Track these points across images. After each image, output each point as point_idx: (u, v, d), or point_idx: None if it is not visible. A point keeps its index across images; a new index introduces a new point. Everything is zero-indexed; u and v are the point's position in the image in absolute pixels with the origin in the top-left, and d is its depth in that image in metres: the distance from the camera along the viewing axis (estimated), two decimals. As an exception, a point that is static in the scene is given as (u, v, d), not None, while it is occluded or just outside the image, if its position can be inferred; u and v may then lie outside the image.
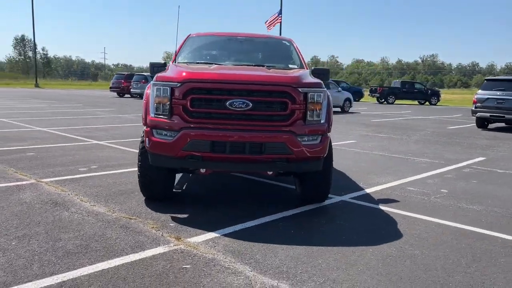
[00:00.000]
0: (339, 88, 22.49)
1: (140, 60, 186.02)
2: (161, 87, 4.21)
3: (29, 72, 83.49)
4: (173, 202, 4.75)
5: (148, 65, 5.13)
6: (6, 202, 4.49)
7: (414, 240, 3.87)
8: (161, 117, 4.20)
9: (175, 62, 5.35)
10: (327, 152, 4.48)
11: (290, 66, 5.48)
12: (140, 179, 4.64)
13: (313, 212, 4.65)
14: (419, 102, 35.35)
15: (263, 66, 5.12)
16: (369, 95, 36.19)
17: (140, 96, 27.69)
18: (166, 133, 4.17)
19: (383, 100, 34.33)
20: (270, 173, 4.57)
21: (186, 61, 5.39)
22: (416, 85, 35.75)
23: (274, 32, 36.58)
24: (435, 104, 34.33)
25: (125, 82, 31.65)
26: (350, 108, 22.55)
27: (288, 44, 5.93)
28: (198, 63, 5.28)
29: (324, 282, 2.97)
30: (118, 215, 4.23)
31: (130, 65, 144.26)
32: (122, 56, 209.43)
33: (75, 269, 3.00)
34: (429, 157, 8.54)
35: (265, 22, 34.87)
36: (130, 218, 4.14)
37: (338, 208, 4.85)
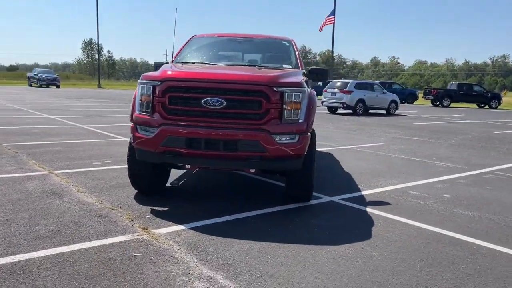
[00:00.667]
0: (384, 90, 21.90)
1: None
2: (145, 85, 4.43)
3: (95, 73, 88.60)
4: (161, 196, 4.96)
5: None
6: (9, 190, 4.91)
7: (381, 242, 3.80)
8: (144, 114, 4.42)
9: (173, 62, 5.58)
10: (306, 151, 4.50)
11: (284, 66, 5.52)
12: (128, 172, 4.90)
13: (295, 210, 4.67)
14: (478, 105, 33.58)
15: (254, 66, 5.22)
16: (423, 97, 34.89)
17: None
18: (147, 129, 4.39)
19: (437, 103, 32.97)
20: (253, 171, 4.66)
21: (184, 61, 5.60)
22: (474, 88, 33.92)
23: (326, 33, 36.29)
24: (495, 108, 32.47)
25: None
26: (396, 111, 21.91)
27: (288, 44, 5.97)
28: (194, 63, 5.47)
29: (260, 276, 3.03)
30: (103, 205, 4.50)
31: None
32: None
33: (35, 251, 3.27)
34: (453, 162, 8.19)
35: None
36: (112, 209, 4.39)
37: (322, 207, 4.83)
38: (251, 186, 5.76)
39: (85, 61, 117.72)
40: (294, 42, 6.01)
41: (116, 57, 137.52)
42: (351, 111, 20.46)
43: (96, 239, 3.55)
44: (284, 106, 4.28)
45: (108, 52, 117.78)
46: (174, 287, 2.82)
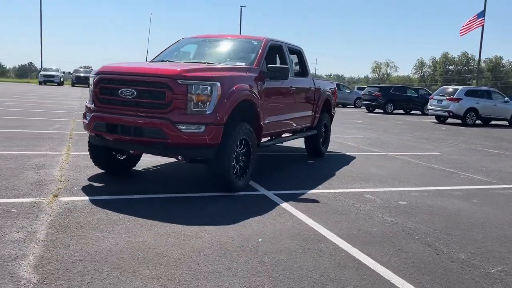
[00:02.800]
0: (507, 99, 19.28)
1: (352, 70, 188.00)
2: (92, 78, 5.20)
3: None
4: (114, 177, 5.63)
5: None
6: None
7: (248, 232, 3.85)
8: (89, 103, 5.21)
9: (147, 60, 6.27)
10: (218, 141, 4.73)
11: (238, 63, 5.76)
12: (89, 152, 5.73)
13: (212, 198, 4.91)
14: None
15: (204, 63, 5.61)
16: None
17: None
18: (87, 115, 5.16)
19: None
20: (180, 158, 5.08)
21: (158, 59, 6.24)
22: None
23: (473, 36, 32.96)
24: None
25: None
26: (521, 122, 19.14)
27: (256, 43, 6.13)
28: (163, 61, 6.08)
29: (85, 244, 3.48)
30: (58, 177, 5.37)
31: (342, 75, 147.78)
32: (334, 67, 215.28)
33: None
34: (478, 174, 7.26)
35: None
36: (60, 180, 5.23)
37: (242, 198, 4.94)
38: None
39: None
40: (265, 42, 6.13)
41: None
42: (459, 121, 18.56)
43: (9, 197, 4.40)
44: (189, 98, 4.62)
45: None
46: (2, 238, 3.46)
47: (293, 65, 6.88)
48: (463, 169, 7.63)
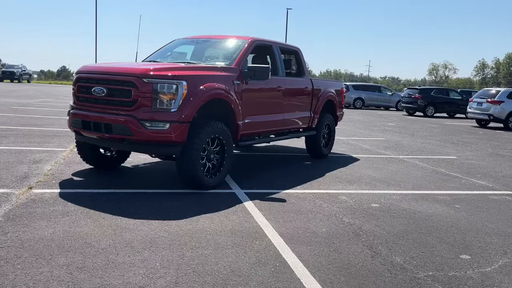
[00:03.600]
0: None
1: (408, 73, 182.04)
2: (74, 77, 5.48)
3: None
4: (99, 173, 5.88)
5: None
6: None
7: (190, 227, 3.93)
8: (71, 101, 5.49)
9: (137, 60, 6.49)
10: (183, 139, 4.82)
11: (217, 63, 5.84)
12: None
13: (181, 194, 5.00)
14: None
15: (183, 63, 5.74)
16: None
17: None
18: (69, 112, 5.43)
19: None
20: (154, 156, 5.25)
21: (149, 59, 6.44)
22: None
23: None
24: None
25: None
26: None
27: (241, 43, 6.16)
28: (150, 61, 6.26)
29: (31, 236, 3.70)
30: (50, 171, 5.69)
31: (397, 78, 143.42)
32: (388, 69, 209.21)
33: None
34: (484, 179, 6.86)
35: None
36: (45, 174, 5.54)
37: (211, 196, 4.98)
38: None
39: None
40: (250, 42, 6.13)
41: (323, 69, 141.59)
42: (501, 125, 17.52)
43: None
44: (155, 96, 4.75)
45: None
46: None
47: (283, 65, 6.81)
48: (470, 174, 7.24)
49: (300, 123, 7.41)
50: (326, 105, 8.14)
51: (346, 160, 8.00)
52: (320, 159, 7.99)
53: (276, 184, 5.77)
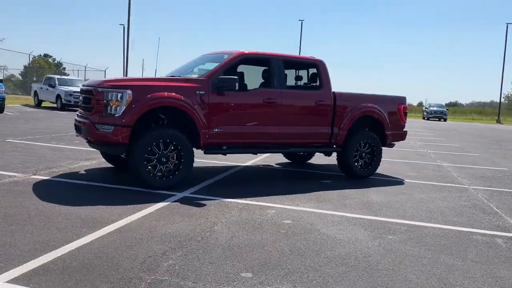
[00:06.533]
0: None
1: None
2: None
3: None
4: (112, 170, 7.01)
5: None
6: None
7: (73, 212, 4.62)
8: None
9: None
10: (125, 140, 5.53)
11: (191, 76, 6.36)
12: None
13: (128, 191, 5.67)
14: None
15: (174, 76, 6.50)
16: None
17: None
18: None
19: None
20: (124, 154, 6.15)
21: (169, 75, 7.13)
22: None
23: None
24: None
25: None
26: None
27: (226, 57, 6.43)
28: (169, 76, 7.09)
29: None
30: (71, 164, 7.13)
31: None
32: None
33: (-21, 168, 6.46)
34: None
35: None
36: (71, 167, 6.96)
37: (144, 195, 5.42)
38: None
39: None
40: (234, 56, 6.27)
41: None
42: None
43: (9, 171, 6.33)
44: (106, 103, 5.62)
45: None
46: None
47: (283, 77, 6.74)
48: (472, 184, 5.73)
49: (313, 138, 7.13)
50: (363, 121, 7.57)
51: (375, 183, 7.27)
52: (354, 179, 7.48)
53: (237, 193, 5.78)
